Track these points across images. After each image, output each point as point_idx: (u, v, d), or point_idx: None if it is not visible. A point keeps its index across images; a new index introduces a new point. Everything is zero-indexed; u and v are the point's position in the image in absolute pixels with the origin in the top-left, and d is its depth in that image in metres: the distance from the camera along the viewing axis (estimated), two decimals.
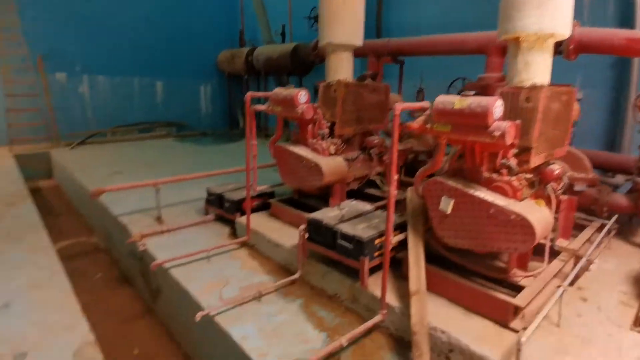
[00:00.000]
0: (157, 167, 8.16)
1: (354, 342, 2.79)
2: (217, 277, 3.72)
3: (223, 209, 4.85)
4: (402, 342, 2.88)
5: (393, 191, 2.73)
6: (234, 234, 4.66)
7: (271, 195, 5.03)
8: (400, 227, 3.38)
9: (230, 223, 4.81)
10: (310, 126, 4.21)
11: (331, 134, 4.30)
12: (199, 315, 3.05)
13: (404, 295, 3.02)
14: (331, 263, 3.47)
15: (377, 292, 3.02)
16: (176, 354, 3.81)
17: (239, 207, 4.66)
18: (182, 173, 7.56)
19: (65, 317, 3.03)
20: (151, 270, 3.96)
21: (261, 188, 4.81)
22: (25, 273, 3.69)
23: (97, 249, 6.13)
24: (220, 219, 5.03)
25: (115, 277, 5.27)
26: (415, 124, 2.93)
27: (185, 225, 4.83)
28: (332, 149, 4.18)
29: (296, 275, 3.63)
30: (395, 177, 2.76)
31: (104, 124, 11.59)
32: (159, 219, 5.01)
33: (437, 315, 2.82)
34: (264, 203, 4.85)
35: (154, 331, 4.10)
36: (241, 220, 4.52)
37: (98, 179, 7.09)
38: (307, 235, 3.52)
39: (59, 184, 9.35)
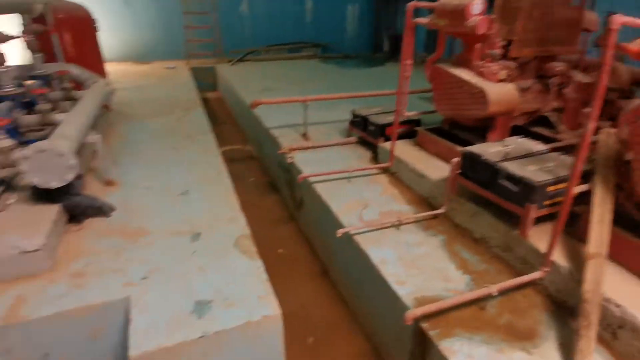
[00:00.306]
0: (302, 87, 8.43)
1: (503, 293, 2.52)
2: (357, 198, 3.74)
3: (366, 132, 4.75)
4: (561, 306, 2.50)
5: (591, 126, 2.16)
6: (375, 158, 4.57)
7: (417, 123, 4.69)
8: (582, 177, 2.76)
9: (373, 147, 4.71)
10: (479, 45, 3.60)
11: (504, 56, 3.63)
12: (340, 232, 3.13)
13: (574, 256, 2.55)
14: (483, 203, 3.11)
15: (540, 246, 2.62)
16: (314, 260, 4.11)
17: (382, 131, 4.49)
18: (327, 92, 7.81)
19: (228, 211, 3.44)
20: (297, 182, 4.19)
21: (409, 114, 4.50)
22: (199, 169, 4.28)
23: (251, 156, 6.84)
24: (362, 142, 4.97)
25: (265, 183, 5.83)
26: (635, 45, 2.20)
27: (329, 144, 4.93)
28: (503, 74, 3.55)
29: (440, 210, 3.40)
30: (597, 111, 2.16)
31: (260, 42, 12.29)
32: (304, 135, 5.20)
33: (613, 286, 2.33)
34: (410, 130, 4.57)
35: (297, 236, 4.47)
36: (384, 145, 4.37)
37: (253, 93, 7.69)
38: (459, 170, 3.19)
39: (222, 96, 10.53)
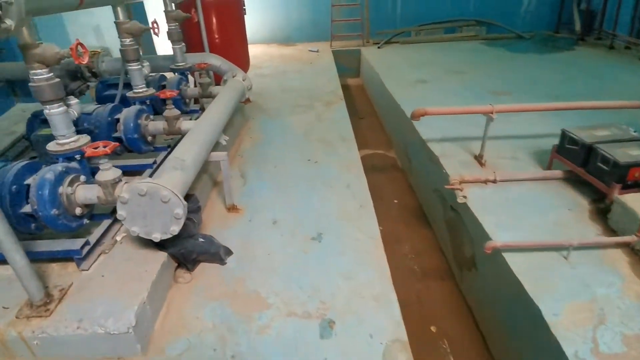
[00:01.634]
0: (464, 77, 6.79)
1: None
2: (582, 299, 2.28)
3: (588, 169, 3.11)
4: None
5: None
6: (603, 215, 2.94)
7: None
8: None
9: (598, 193, 3.07)
10: None
11: None
12: None
13: None
14: None
15: None
16: (481, 351, 2.84)
17: (623, 175, 2.83)
18: (496, 88, 6.08)
19: (374, 280, 2.42)
20: (480, 246, 2.90)
21: None
22: (339, 196, 3.34)
23: (395, 166, 5.68)
24: (575, 179, 3.34)
25: (412, 208, 4.64)
26: None
27: (518, 178, 3.44)
28: None
29: None
30: None
31: (410, 21, 10.77)
32: (479, 158, 3.79)
33: None
34: None
35: (462, 314, 3.19)
36: (626, 201, 2.72)
37: (402, 85, 6.43)
38: None
39: (364, 84, 9.49)
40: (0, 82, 4.83)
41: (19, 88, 5.18)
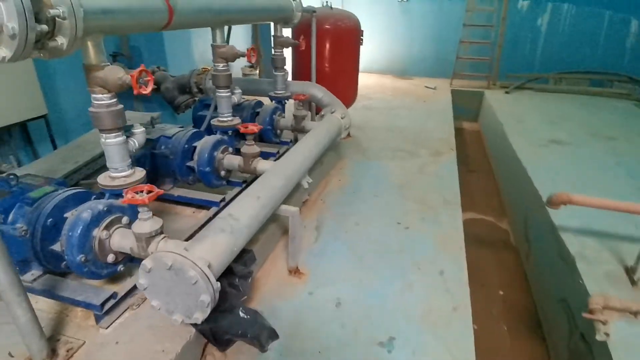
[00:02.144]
0: (616, 145, 5.40)
1: None
2: None
3: None
4: None
5: None
6: None
7: None
8: None
9: None
10: None
11: None
12: None
13: None
14: None
15: None
16: None
17: None
18: None
19: None
20: None
21: None
22: (427, 286, 2.60)
23: (506, 242, 4.64)
24: None
25: (523, 308, 3.61)
26: None
27: None
28: None
29: None
30: None
31: (550, 67, 9.36)
32: (631, 273, 2.70)
33: None
34: None
35: None
36: None
37: (531, 144, 5.34)
38: None
39: (481, 131, 8.42)
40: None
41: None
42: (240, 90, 3.09)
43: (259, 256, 2.55)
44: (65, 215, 1.87)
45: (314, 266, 2.74)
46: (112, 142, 1.86)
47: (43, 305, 2.02)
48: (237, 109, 3.61)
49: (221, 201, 2.80)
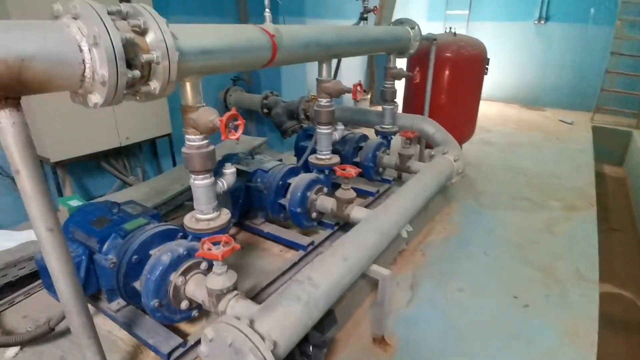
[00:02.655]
0: None
1: None
2: None
3: None
4: None
5: None
6: None
7: None
8: None
9: None
10: None
11: None
12: None
13: None
14: None
15: None
16: None
17: None
18: None
19: None
20: None
21: None
22: None
23: None
24: None
25: None
26: None
27: None
28: None
29: None
30: None
31: None
32: None
33: None
34: None
35: None
36: None
37: None
38: None
39: (628, 179, 6.91)
40: (241, 109, 5.39)
41: (254, 118, 5.73)
42: (342, 127, 2.88)
43: (342, 316, 2.26)
44: (150, 252, 1.84)
45: (403, 337, 2.34)
46: (199, 184, 1.79)
47: (124, 335, 2.03)
48: (340, 142, 3.43)
49: (309, 245, 2.60)
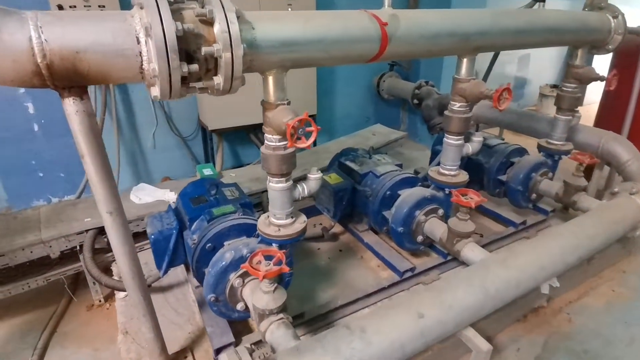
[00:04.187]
0: None
1: None
2: None
3: None
4: None
5: None
6: None
7: None
8: None
9: None
10: None
11: None
12: None
13: None
14: None
15: None
16: None
17: None
18: None
19: None
20: None
21: None
22: None
23: None
24: None
25: None
26: None
27: None
28: None
29: None
30: None
31: None
32: None
33: None
34: None
35: None
36: None
37: None
38: None
39: None
40: (392, 97, 5.06)
41: (408, 108, 5.33)
42: (480, 138, 2.27)
43: None
44: (225, 242, 1.83)
45: None
46: (275, 187, 1.64)
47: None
48: (485, 151, 2.81)
49: (406, 271, 2.22)
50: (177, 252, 2.03)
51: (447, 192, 2.23)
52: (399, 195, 2.27)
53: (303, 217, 1.78)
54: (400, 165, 2.56)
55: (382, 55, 1.61)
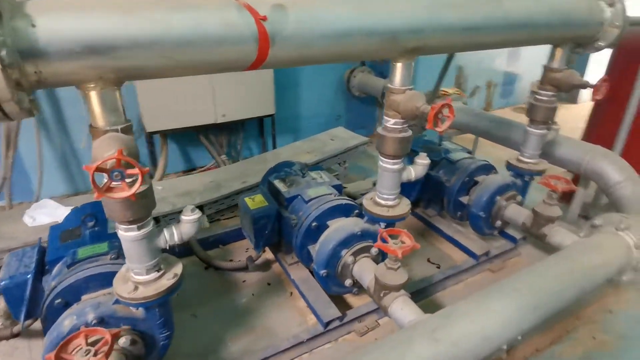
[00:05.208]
0: None
1: None
2: None
3: None
4: None
5: None
6: None
7: None
8: None
9: None
10: None
11: None
12: None
13: None
14: None
15: None
16: None
17: None
18: None
19: None
20: None
21: None
22: None
23: None
24: None
25: None
26: None
27: None
28: None
29: None
30: None
31: None
32: None
33: None
34: None
35: None
36: None
37: None
38: None
39: None
40: (364, 94, 4.60)
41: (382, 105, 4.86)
42: (425, 161, 1.78)
43: None
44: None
45: None
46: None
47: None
48: (448, 167, 2.41)
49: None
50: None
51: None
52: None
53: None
54: (339, 187, 2.14)
55: (264, 61, 1.17)
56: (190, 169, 4.35)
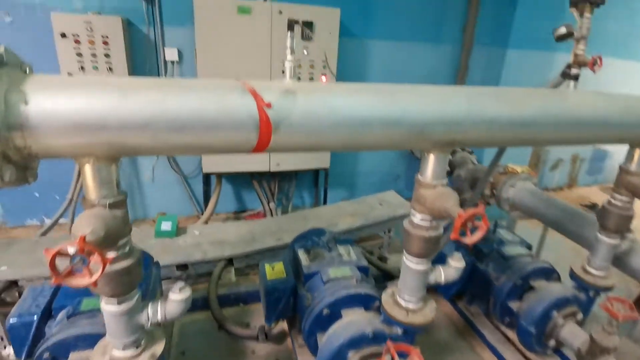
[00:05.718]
0: None
1: None
2: None
3: None
4: None
5: None
6: None
7: None
8: None
9: None
10: None
11: None
12: None
13: None
14: None
15: None
16: None
17: None
18: None
19: None
20: None
21: None
22: None
23: None
24: None
25: None
26: None
27: None
28: None
29: None
30: None
31: None
32: None
33: None
34: None
35: None
36: None
37: None
38: None
39: None
40: None
41: None
42: (460, 265, 1.51)
43: None
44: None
45: None
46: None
47: None
48: (499, 261, 2.09)
49: None
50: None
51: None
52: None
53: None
54: (365, 270, 1.94)
55: (267, 147, 1.09)
56: (241, 210, 4.44)
